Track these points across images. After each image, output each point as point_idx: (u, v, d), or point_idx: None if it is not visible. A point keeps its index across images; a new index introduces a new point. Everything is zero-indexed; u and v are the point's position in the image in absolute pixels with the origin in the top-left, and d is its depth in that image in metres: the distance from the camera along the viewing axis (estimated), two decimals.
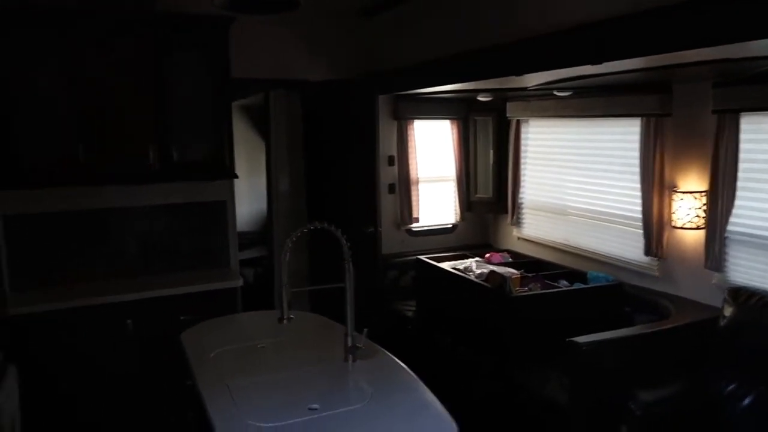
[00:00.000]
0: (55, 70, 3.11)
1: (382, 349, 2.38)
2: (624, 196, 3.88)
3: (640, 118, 3.62)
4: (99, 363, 3.26)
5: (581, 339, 2.90)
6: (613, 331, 3.12)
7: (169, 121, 3.35)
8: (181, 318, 3.35)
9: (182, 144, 3.39)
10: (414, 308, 4.58)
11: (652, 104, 3.52)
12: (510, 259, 4.53)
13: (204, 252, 3.87)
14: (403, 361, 2.25)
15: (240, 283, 3.65)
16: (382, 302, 4.68)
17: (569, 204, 4.37)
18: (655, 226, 3.58)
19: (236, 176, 3.63)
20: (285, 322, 2.15)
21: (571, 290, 3.71)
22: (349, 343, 2.19)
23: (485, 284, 3.70)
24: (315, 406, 1.86)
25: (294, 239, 2.16)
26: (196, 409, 2.02)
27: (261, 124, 5.64)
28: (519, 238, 4.88)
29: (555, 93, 4.02)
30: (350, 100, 4.55)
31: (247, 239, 6.29)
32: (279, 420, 1.78)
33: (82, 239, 3.54)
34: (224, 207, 3.88)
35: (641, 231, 3.67)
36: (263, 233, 6.13)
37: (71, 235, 3.52)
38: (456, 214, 5.19)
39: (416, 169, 4.96)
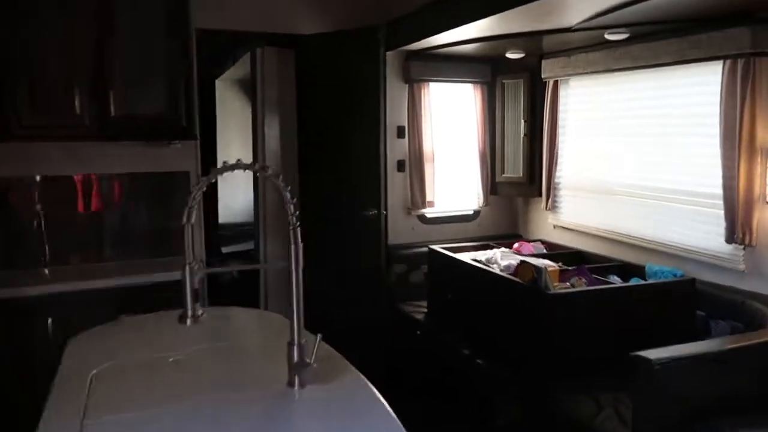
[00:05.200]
0: None
1: (347, 364, 1.57)
2: (697, 166, 3.00)
3: (721, 61, 2.74)
4: (8, 366, 2.51)
5: (652, 354, 2.04)
6: (693, 344, 2.27)
7: (105, 66, 2.60)
8: (121, 317, 2.63)
9: (123, 96, 2.64)
10: (425, 309, 3.76)
11: (741, 40, 2.64)
12: (544, 251, 3.67)
13: (161, 236, 3.11)
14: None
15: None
16: (386, 301, 3.87)
17: (620, 181, 3.50)
18: (741, 204, 2.70)
19: (195, 138, 2.86)
20: (189, 322, 1.36)
21: (626, 287, 2.84)
22: (295, 359, 1.38)
23: (513, 278, 2.86)
24: None
25: (196, 196, 1.37)
26: None
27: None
28: (555, 227, 4.01)
29: (606, 37, 3.16)
30: (350, 58, 3.76)
31: (241, 231, 5.59)
32: None
33: None
34: (188, 180, 3.12)
35: (721, 211, 2.78)
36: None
37: None
38: (479, 197, 4.34)
39: (431, 142, 4.13)
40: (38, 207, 2.84)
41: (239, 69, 4.94)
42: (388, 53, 3.86)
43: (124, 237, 3.04)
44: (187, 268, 1.36)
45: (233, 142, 5.78)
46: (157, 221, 3.10)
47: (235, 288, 4.83)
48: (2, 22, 2.42)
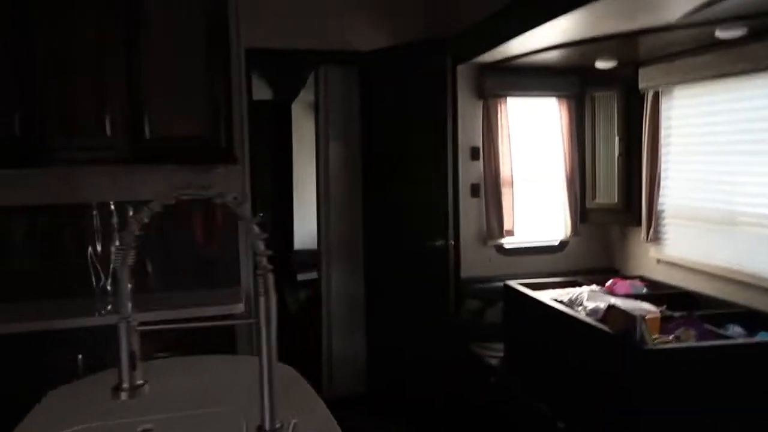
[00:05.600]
0: None
1: None
2: None
3: None
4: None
5: None
6: None
7: (141, 84, 2.44)
8: (156, 355, 2.42)
9: (158, 117, 2.47)
10: (501, 353, 3.28)
11: None
12: (644, 290, 3.09)
13: (205, 267, 2.91)
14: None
15: (240, 309, 2.61)
16: (457, 342, 3.44)
17: (741, 209, 2.86)
18: None
19: (234, 161, 2.64)
20: (123, 396, 1.06)
21: (752, 344, 2.23)
22: None
23: (601, 326, 2.35)
24: None
25: (136, 231, 1.07)
26: None
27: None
28: (659, 261, 3.40)
29: (718, 35, 2.61)
30: (415, 73, 3.45)
31: (313, 258, 5.40)
32: None
33: (29, 244, 2.72)
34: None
35: None
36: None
37: (13, 238, 2.71)
38: (566, 226, 3.81)
39: (509, 164, 3.68)
40: (83, 235, 2.73)
41: (309, 91, 4.77)
42: (459, 67, 3.53)
43: (167, 267, 2.86)
44: (122, 325, 1.06)
45: (309, 165, 5.63)
46: (203, 251, 2.90)
47: (302, 316, 4.60)
48: (29, 40, 2.33)
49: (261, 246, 1.07)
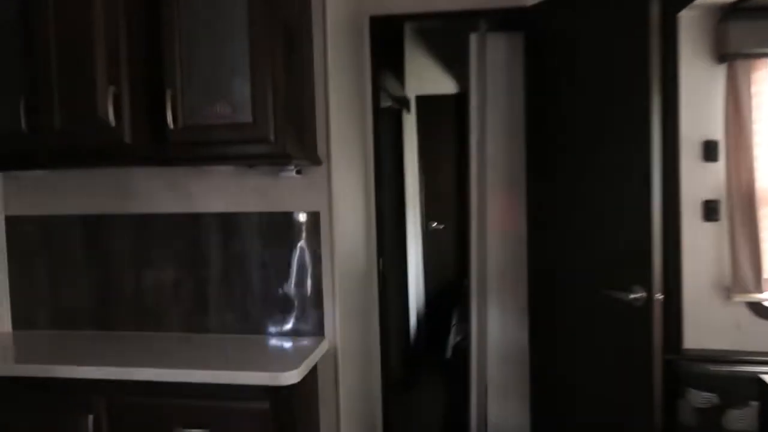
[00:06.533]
0: None
1: None
2: None
3: None
4: None
5: None
6: None
7: (163, 61, 1.76)
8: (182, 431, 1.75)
9: (184, 100, 1.76)
10: None
11: None
12: None
13: (273, 305, 2.13)
14: None
15: (292, 379, 1.76)
16: None
17: None
18: None
19: (289, 159, 1.79)
20: None
21: None
22: None
23: None
24: None
25: None
26: None
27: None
28: None
29: None
30: (608, 30, 2.23)
31: None
32: None
33: (31, 268, 2.26)
34: (316, 224, 2.08)
35: None
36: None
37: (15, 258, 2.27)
38: None
39: None
40: (95, 257, 2.20)
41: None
42: (682, 15, 2.21)
43: (208, 302, 2.17)
44: None
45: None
46: (262, 282, 2.14)
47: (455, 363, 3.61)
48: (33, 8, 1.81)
49: None
